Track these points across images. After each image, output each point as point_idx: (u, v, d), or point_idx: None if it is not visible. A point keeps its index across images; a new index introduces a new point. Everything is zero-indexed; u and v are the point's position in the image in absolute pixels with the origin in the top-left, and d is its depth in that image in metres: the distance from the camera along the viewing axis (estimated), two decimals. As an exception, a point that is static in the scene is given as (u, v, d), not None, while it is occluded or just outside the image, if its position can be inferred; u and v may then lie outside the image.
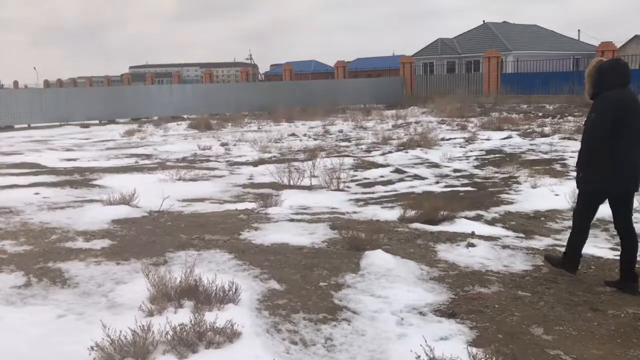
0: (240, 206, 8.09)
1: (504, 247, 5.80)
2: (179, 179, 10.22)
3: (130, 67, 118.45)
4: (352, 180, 10.28)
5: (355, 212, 7.80)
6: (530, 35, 47.01)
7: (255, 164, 12.49)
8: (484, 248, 5.71)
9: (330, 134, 18.97)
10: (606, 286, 4.54)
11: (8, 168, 11.93)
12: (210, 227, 6.61)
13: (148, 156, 14.22)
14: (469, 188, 9.52)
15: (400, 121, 22.47)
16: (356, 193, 9.35)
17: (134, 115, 27.67)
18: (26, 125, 25.07)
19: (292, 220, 7.05)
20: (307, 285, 4.56)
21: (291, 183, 9.88)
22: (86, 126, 24.80)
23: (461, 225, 6.91)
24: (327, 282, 4.63)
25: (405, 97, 34.00)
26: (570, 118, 21.16)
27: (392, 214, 7.56)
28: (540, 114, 23.02)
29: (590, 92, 4.70)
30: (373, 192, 9.42)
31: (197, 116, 26.37)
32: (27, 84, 74.07)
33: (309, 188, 9.65)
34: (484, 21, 48.24)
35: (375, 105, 31.14)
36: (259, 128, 22.23)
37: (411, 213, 7.23)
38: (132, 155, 14.34)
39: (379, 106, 31.21)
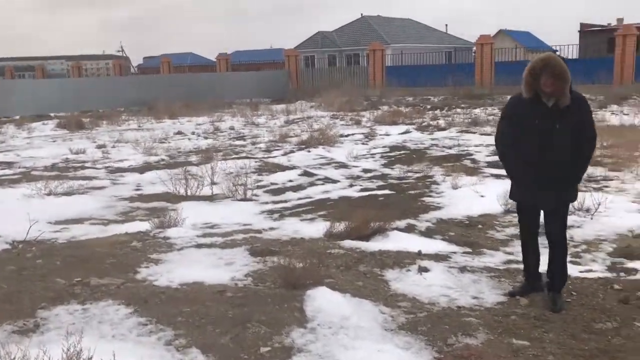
0: (131, 227, 6.65)
1: (461, 269, 4.96)
2: (49, 194, 8.47)
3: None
4: (258, 187, 9.10)
5: (272, 229, 6.66)
6: (406, 29, 48.11)
7: (141, 170, 10.88)
8: (439, 273, 4.84)
9: (222, 132, 17.55)
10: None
11: None
12: (95, 262, 5.18)
13: (9, 164, 12.04)
14: (386, 191, 8.70)
15: (292, 116, 21.49)
16: (267, 202, 8.19)
17: (-11, 114, 24.28)
18: None
19: (200, 245, 5.77)
20: (244, 353, 3.38)
21: (189, 193, 8.52)
22: None
23: (397, 239, 6.03)
24: (269, 345, 3.47)
25: (292, 91, 33.13)
26: (458, 110, 21.38)
27: (315, 228, 6.51)
28: (429, 107, 23.12)
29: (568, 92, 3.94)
30: (286, 201, 8.32)
31: (66, 114, 23.65)
32: None
33: (211, 198, 8.35)
34: (362, 14, 48.66)
35: (261, 100, 29.92)
36: (139, 126, 20.22)
37: (339, 227, 6.23)
38: (-13, 164, 12.08)
39: (265, 100, 30.03)
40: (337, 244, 5.76)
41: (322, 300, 4.02)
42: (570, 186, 4.05)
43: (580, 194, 7.11)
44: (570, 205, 6.61)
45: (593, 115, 4.15)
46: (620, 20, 51.01)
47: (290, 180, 9.62)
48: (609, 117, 16.47)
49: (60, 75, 62.13)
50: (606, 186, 8.34)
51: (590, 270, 4.97)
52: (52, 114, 24.67)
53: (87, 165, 11.75)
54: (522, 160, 4.04)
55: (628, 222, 6.44)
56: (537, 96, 3.96)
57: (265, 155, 12.38)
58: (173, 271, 4.94)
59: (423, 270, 4.87)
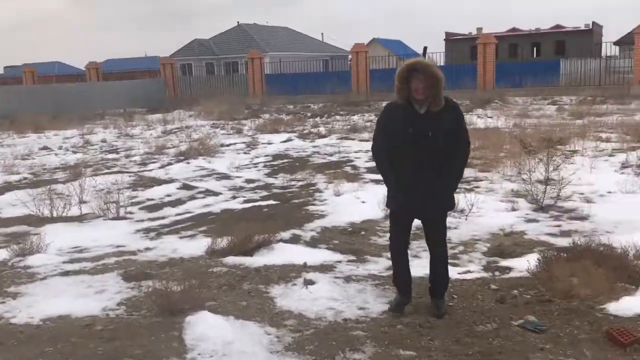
0: (-15, 257, 5.94)
1: (346, 279, 4.90)
2: None
3: None
4: (133, 204, 8.55)
5: (148, 249, 6.25)
6: (283, 37, 48.52)
7: (-1, 190, 9.89)
8: (325, 284, 4.74)
9: (92, 145, 16.49)
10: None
11: None
12: (-60, 302, 4.52)
13: None
14: (271, 202, 8.55)
15: (169, 126, 20.73)
16: (142, 220, 7.72)
17: None
18: None
19: (66, 273, 5.26)
20: (117, 394, 3.05)
21: (54, 214, 7.83)
22: None
23: (282, 251, 5.89)
24: (145, 382, 3.17)
25: (169, 99, 32.08)
26: (337, 117, 21.77)
27: (196, 245, 6.20)
28: (309, 114, 23.34)
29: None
30: (163, 217, 7.88)
31: None
32: None
33: (80, 219, 7.73)
34: (238, 22, 48.38)
35: (137, 110, 28.64)
36: (-2, 142, 18.51)
37: (221, 243, 5.97)
38: None
39: (141, 110, 28.77)
40: (219, 262, 5.50)
41: (203, 326, 3.76)
42: (447, 193, 3.99)
43: (454, 196, 7.46)
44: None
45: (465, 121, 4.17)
46: (480, 29, 54.93)
47: (169, 195, 9.17)
48: (476, 120, 17.51)
49: None
50: (477, 187, 8.76)
51: (469, 272, 5.11)
52: None
53: None
54: (398, 168, 3.95)
55: (498, 221, 6.78)
56: (409, 103, 3.88)
57: (141, 169, 11.76)
58: (34, 305, 4.43)
59: (309, 283, 4.75)
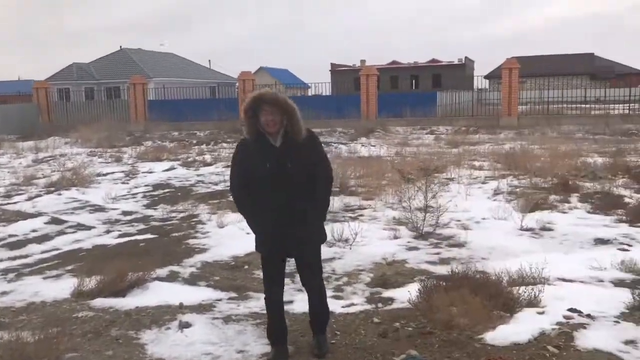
0: None
1: (225, 319, 4.64)
2: None
3: None
4: (-10, 241, 7.72)
5: (5, 293, 5.60)
6: (169, 63, 47.57)
7: None
8: (202, 326, 4.44)
9: (-52, 176, 14.90)
10: None
11: None
12: None
13: None
14: (148, 235, 8.07)
15: (42, 154, 19.30)
16: (1, 260, 6.95)
17: None
18: None
19: None
20: None
21: None
22: None
23: (157, 291, 5.50)
24: None
25: (43, 126, 30.01)
26: (224, 144, 21.42)
27: (61, 287, 5.65)
28: (195, 141, 22.79)
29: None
30: (26, 255, 7.15)
31: None
32: None
33: None
34: (120, 47, 46.78)
35: (6, 137, 26.48)
36: None
37: (89, 284, 5.48)
38: None
39: (10, 137, 26.65)
40: (86, 305, 5.03)
41: (60, 383, 3.34)
42: (315, 226, 3.80)
43: (339, 225, 7.47)
44: (331, 236, 6.85)
45: (327, 152, 4.07)
46: (363, 61, 57.11)
47: (34, 230, 8.38)
48: (360, 148, 17.94)
49: None
50: (361, 215, 8.83)
51: (352, 304, 5.03)
52: None
53: None
54: (260, 208, 3.70)
55: (381, 250, 6.82)
56: (263, 136, 3.65)
57: (4, 202, 10.73)
58: None
59: (184, 326, 4.43)
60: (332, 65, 60.58)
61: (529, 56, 50.61)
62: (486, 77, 51.38)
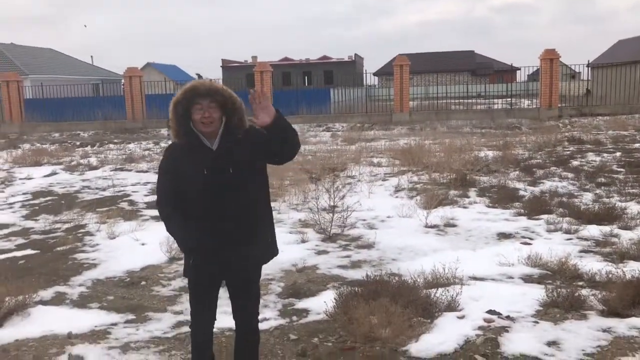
0: None
1: (123, 348, 4.12)
2: None
3: None
4: None
5: None
6: (47, 59, 44.39)
7: None
8: (96, 359, 3.89)
9: None
10: None
11: None
12: None
13: None
14: (29, 251, 7.20)
15: None
16: None
17: None
18: None
19: None
20: None
21: None
22: None
23: (41, 317, 4.84)
24: None
25: None
26: (111, 146, 20.18)
27: None
28: (78, 143, 21.28)
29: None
30: None
31: None
32: None
33: None
34: (-9, 41, 42.93)
35: None
36: None
37: (-45, 315, 4.69)
38: None
39: None
40: (-49, 342, 4.26)
41: None
42: (267, 243, 3.20)
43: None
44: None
45: None
46: (255, 57, 56.61)
47: None
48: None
49: None
50: (265, 218, 8.44)
51: (265, 319, 4.66)
52: None
53: None
54: (195, 225, 3.04)
55: (290, 256, 6.46)
56: (197, 139, 3.04)
57: None
58: None
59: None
60: (223, 61, 59.50)
61: (414, 53, 52.49)
62: (375, 74, 52.70)
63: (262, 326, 4.45)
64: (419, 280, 5.03)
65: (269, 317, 4.76)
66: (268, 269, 6.04)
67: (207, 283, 3.17)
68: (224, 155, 3.01)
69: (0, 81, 29.04)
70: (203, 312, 3.21)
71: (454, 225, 7.66)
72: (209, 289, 3.19)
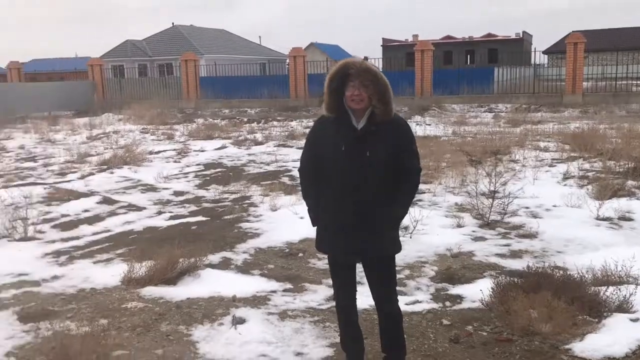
0: None
1: (281, 315, 4.32)
2: None
3: None
4: (45, 221, 7.65)
5: (56, 278, 5.44)
6: (220, 40, 47.53)
7: None
8: (257, 322, 4.14)
9: (7, 152, 15.19)
10: None
11: None
12: None
13: None
14: (200, 217, 7.85)
15: (96, 131, 19.51)
16: (54, 241, 6.85)
17: None
18: None
19: (-51, 312, 4.42)
20: None
21: (-52, 235, 6.84)
22: None
23: (209, 279, 5.24)
24: None
25: (97, 102, 30.49)
26: (275, 123, 21.17)
27: (111, 273, 5.45)
28: (245, 119, 22.62)
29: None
30: (78, 237, 7.03)
31: None
32: None
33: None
34: (173, 24, 46.99)
35: (63, 113, 27.03)
36: None
37: (140, 270, 5.26)
38: None
39: (67, 114, 27.18)
40: (136, 294, 4.80)
41: (106, 388, 3.09)
42: (389, 231, 3.13)
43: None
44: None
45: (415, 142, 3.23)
46: (415, 36, 55.67)
47: (86, 210, 8.28)
48: (415, 127, 17.33)
49: None
50: (420, 200, 8.34)
51: (417, 302, 4.63)
52: None
53: None
54: (327, 199, 3.14)
55: (445, 240, 6.35)
56: (345, 116, 3.09)
57: (58, 180, 10.74)
58: None
59: (238, 322, 4.14)
60: (384, 40, 59.36)
61: (590, 30, 48.10)
62: (545, 52, 49.31)
63: (414, 308, 4.44)
64: (587, 276, 4.65)
65: (421, 299, 4.71)
66: (421, 252, 5.99)
67: (342, 261, 3.24)
68: (365, 137, 3.04)
69: (180, 60, 31.78)
70: (340, 284, 3.31)
71: (630, 219, 6.96)
72: (344, 267, 3.26)
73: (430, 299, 4.73)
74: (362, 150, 3.03)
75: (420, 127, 17.56)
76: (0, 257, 6.14)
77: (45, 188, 9.68)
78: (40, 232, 7.17)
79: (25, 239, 6.88)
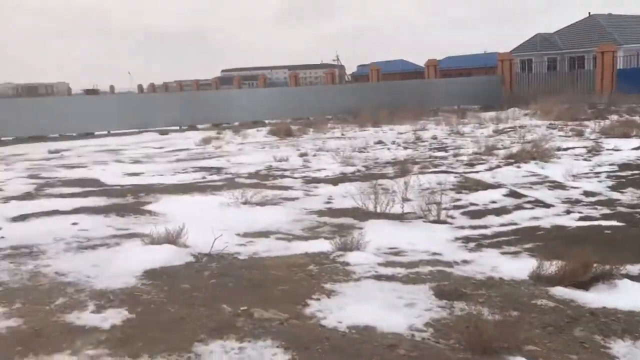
0: (312, 246, 6.23)
1: None
2: (245, 203, 8.54)
3: (222, 71, 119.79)
4: (455, 207, 8.16)
5: (465, 262, 5.73)
6: (641, 27, 42.38)
7: (335, 181, 10.60)
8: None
9: (423, 142, 16.80)
10: None
11: (62, 186, 10.76)
12: (266, 288, 4.83)
13: (218, 170, 12.71)
14: (614, 222, 7.15)
15: (502, 125, 19.87)
16: (463, 227, 7.24)
17: (215, 120, 26.60)
18: (106, 132, 24.55)
19: (379, 277, 5.12)
20: None
21: (378, 210, 7.92)
22: (165, 133, 23.90)
23: (628, 292, 4.71)
24: None
25: (504, 97, 31.00)
26: None
27: (518, 266, 5.43)
28: (670, 116, 19.70)
29: None
30: (485, 226, 7.27)
31: (278, 121, 24.95)
32: (120, 89, 76.53)
33: (401, 217, 7.66)
34: (589, 13, 44.02)
35: (470, 107, 28.49)
36: (342, 134, 20.39)
37: (549, 269, 5.09)
38: (201, 169, 12.89)
39: (474, 107, 28.55)
40: (545, 292, 4.67)
41: (520, 381, 3.07)
42: None
43: None
44: None
45: None
46: None
47: (493, 202, 8.48)
48: None
49: (280, 84, 66.68)
50: None
51: None
52: (266, 121, 26.19)
53: (286, 174, 11.87)
54: None
55: None
56: None
57: (467, 170, 11.30)
58: (345, 307, 4.35)
59: (666, 346, 3.60)
60: None
61: None
62: None
63: None
64: None
65: None
66: None
67: None
68: None
69: (595, 52, 29.64)
70: None
71: None
72: None
73: None
74: None
75: None
76: (418, 235, 6.81)
77: (455, 177, 10.33)
78: (451, 217, 7.68)
79: (437, 221, 7.46)
